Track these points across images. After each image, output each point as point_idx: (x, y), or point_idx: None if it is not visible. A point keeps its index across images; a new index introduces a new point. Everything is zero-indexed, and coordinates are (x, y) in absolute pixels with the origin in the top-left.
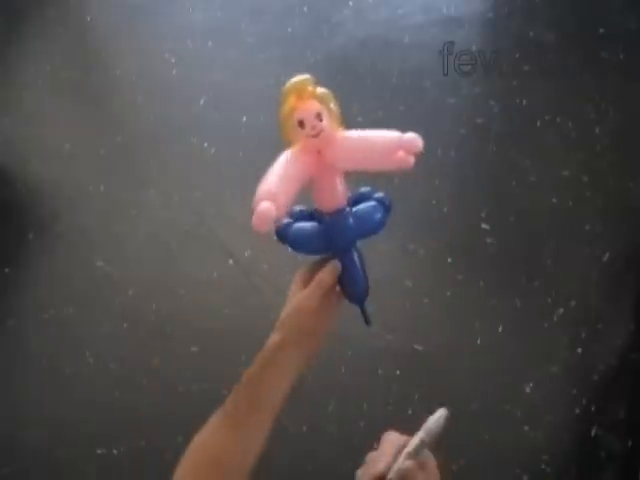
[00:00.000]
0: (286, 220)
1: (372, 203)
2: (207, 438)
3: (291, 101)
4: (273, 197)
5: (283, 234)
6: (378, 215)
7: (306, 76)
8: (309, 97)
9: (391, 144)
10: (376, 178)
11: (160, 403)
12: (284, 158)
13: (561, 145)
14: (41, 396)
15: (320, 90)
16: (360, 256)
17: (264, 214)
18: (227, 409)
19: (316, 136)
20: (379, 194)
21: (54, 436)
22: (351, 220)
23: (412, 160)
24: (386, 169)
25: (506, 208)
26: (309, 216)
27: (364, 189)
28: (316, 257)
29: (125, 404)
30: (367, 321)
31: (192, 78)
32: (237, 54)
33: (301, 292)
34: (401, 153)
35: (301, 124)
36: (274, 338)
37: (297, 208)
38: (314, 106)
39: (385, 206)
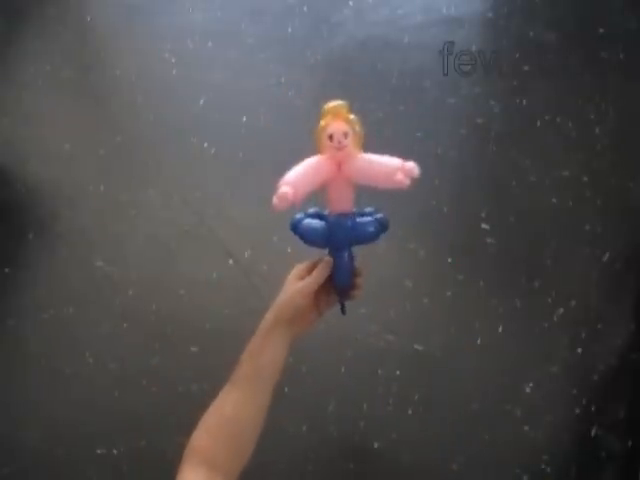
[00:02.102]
0: (300, 215)
1: (371, 218)
2: (219, 404)
3: (327, 118)
4: (293, 185)
5: (295, 226)
6: (372, 229)
7: (343, 102)
8: (341, 118)
9: (394, 168)
10: None
11: (160, 403)
12: (311, 160)
13: (561, 145)
14: (41, 396)
15: (351, 116)
16: (351, 258)
17: (282, 196)
18: (233, 379)
19: (340, 149)
20: (380, 214)
21: (54, 436)
22: (350, 224)
23: (408, 182)
24: (387, 187)
25: (506, 208)
26: (319, 216)
27: (369, 209)
28: (314, 255)
29: (125, 404)
30: (343, 311)
31: (192, 78)
32: (237, 54)
33: (298, 282)
34: (400, 175)
35: (330, 138)
36: (270, 315)
37: (312, 209)
38: (343, 126)
39: (381, 224)
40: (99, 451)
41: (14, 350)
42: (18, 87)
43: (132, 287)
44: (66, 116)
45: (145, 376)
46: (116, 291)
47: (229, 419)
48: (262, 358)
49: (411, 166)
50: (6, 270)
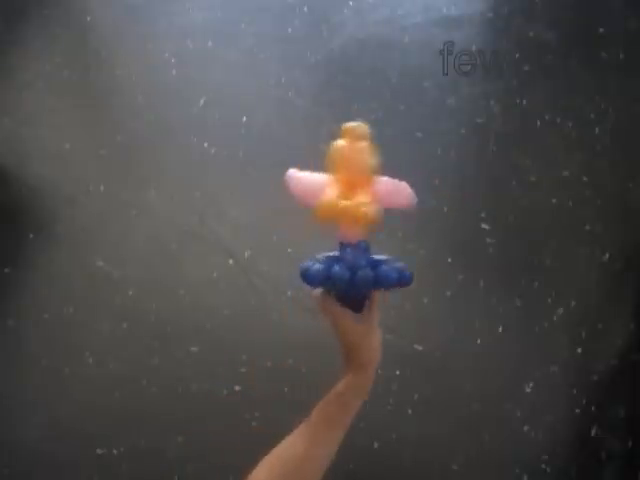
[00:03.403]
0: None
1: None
2: (289, 446)
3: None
4: None
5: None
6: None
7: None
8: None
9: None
10: None
11: (160, 403)
12: None
13: (561, 145)
14: (41, 396)
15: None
16: None
17: None
18: (313, 420)
19: None
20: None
21: (54, 436)
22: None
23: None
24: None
25: (506, 208)
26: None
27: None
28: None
29: (125, 404)
30: None
31: (192, 78)
32: (237, 54)
33: (368, 317)
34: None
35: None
36: (368, 377)
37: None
38: None
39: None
40: (99, 451)
41: (14, 350)
42: (18, 87)
43: (132, 287)
44: (66, 116)
45: (145, 376)
46: (116, 291)
47: (294, 466)
48: (348, 409)
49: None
50: (6, 270)
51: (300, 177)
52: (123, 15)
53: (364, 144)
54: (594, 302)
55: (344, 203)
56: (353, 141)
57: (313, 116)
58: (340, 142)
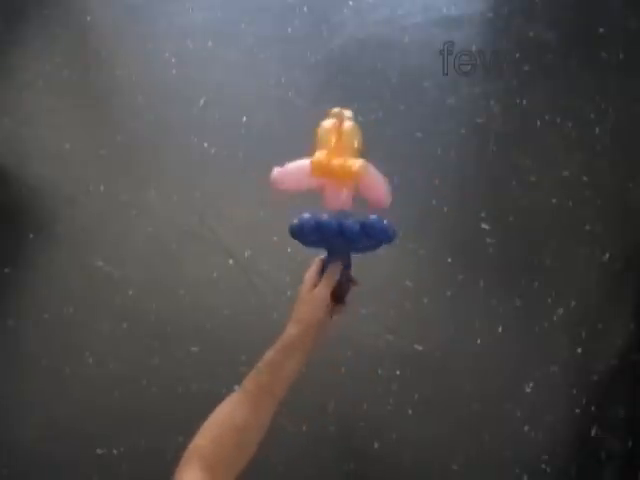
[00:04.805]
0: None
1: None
2: (229, 411)
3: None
4: None
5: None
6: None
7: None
8: None
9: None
10: None
11: (160, 403)
12: None
13: (561, 145)
14: (41, 396)
15: None
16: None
17: None
18: (248, 388)
19: None
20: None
21: (54, 436)
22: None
23: None
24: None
25: (506, 208)
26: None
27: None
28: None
29: (125, 404)
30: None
31: (192, 78)
32: (237, 54)
33: (313, 289)
34: None
35: None
36: (294, 330)
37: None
38: None
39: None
40: (99, 451)
41: (14, 350)
42: (18, 87)
43: (132, 287)
44: (66, 116)
45: (145, 376)
46: (116, 291)
47: (239, 431)
48: (282, 373)
49: None
50: (6, 270)
51: (285, 170)
52: (123, 15)
53: (350, 124)
54: (594, 302)
55: (334, 160)
56: (340, 122)
57: (313, 116)
58: (328, 121)
